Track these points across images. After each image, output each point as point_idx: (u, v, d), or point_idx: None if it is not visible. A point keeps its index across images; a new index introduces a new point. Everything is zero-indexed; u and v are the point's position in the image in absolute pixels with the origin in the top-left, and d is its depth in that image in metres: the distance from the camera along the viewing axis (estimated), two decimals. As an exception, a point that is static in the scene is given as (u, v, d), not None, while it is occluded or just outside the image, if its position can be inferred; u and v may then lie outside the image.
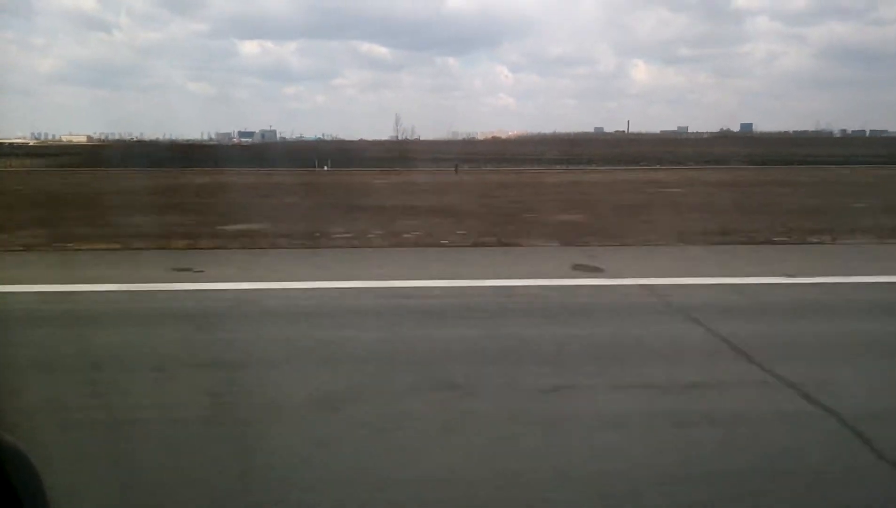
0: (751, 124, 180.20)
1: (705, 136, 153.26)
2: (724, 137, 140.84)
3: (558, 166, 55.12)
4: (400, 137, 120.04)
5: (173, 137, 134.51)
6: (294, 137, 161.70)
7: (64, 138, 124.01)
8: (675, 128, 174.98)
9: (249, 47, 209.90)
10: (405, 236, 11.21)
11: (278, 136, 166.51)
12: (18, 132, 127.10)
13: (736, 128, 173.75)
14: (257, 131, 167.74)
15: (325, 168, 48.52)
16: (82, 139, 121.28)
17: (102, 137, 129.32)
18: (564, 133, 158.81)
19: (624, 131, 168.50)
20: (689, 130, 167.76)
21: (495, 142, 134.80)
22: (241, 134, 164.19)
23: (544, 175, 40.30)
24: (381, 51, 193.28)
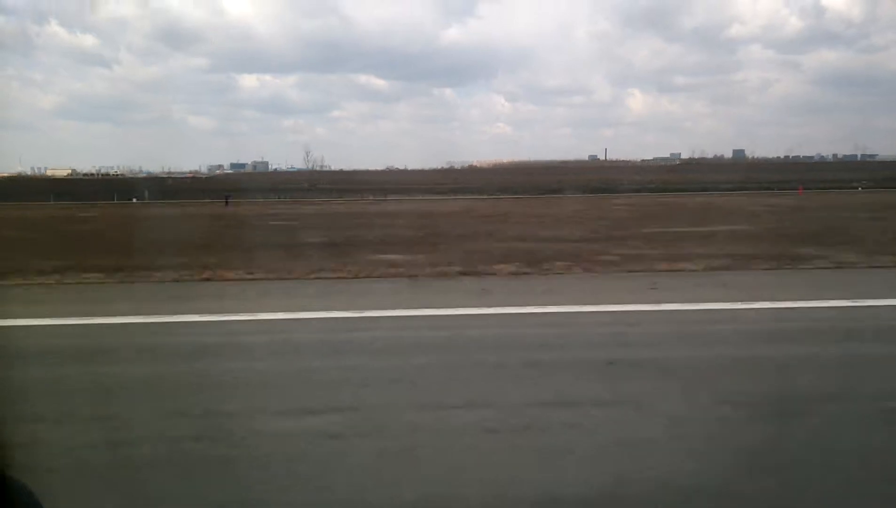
0: (743, 151, 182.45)
1: (677, 162, 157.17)
2: (688, 164, 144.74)
3: (434, 196, 60.96)
4: (311, 168, 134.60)
5: (171, 170, 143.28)
6: (285, 168, 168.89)
7: (49, 172, 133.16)
8: (668, 155, 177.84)
9: (248, 81, 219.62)
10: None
11: (270, 167, 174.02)
12: (19, 167, 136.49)
13: (729, 154, 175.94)
14: (249, 163, 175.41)
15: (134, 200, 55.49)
16: (65, 173, 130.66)
17: (93, 171, 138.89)
18: (558, 161, 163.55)
19: (601, 158, 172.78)
20: (681, 156, 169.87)
21: (447, 172, 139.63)
22: (234, 165, 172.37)
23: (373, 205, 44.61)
24: (378, 83, 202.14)
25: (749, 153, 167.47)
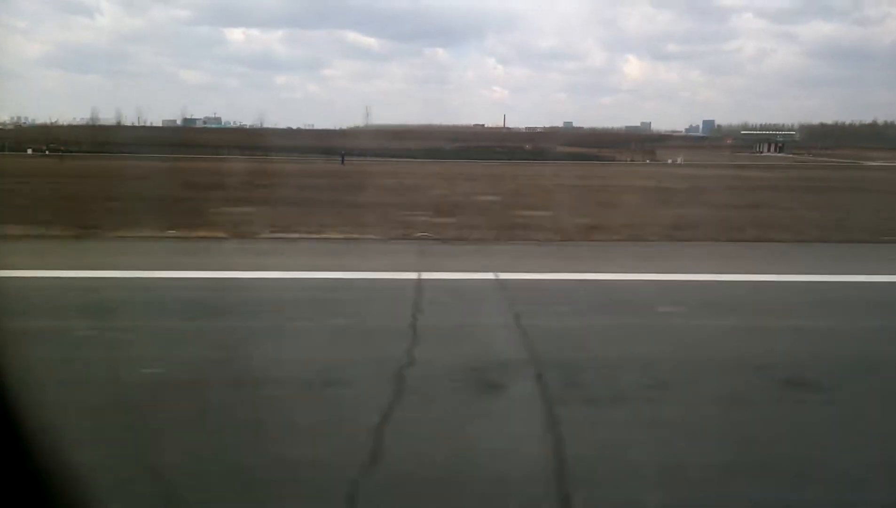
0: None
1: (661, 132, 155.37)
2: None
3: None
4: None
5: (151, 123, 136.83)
6: (237, 123, 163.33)
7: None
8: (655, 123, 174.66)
9: (235, 35, 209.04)
10: None
11: (223, 122, 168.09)
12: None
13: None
14: (202, 118, 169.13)
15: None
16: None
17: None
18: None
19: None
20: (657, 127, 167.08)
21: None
22: (186, 120, 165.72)
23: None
24: (367, 41, 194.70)
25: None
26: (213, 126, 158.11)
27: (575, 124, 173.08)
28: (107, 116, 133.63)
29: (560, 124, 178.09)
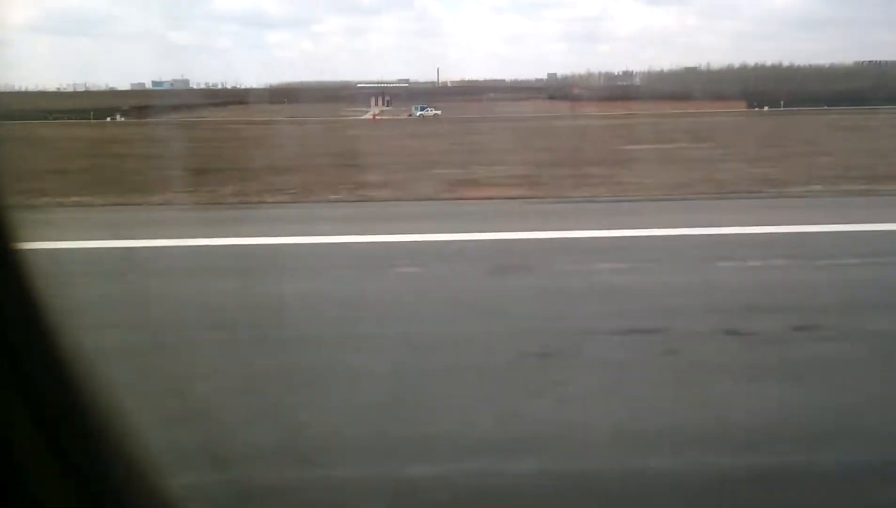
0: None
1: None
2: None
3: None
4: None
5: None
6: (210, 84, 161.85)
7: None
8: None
9: None
10: None
11: (192, 84, 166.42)
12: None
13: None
14: (169, 80, 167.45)
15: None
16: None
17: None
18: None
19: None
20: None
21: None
22: (154, 83, 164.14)
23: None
24: None
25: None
26: (181, 88, 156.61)
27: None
28: (96, 82, 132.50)
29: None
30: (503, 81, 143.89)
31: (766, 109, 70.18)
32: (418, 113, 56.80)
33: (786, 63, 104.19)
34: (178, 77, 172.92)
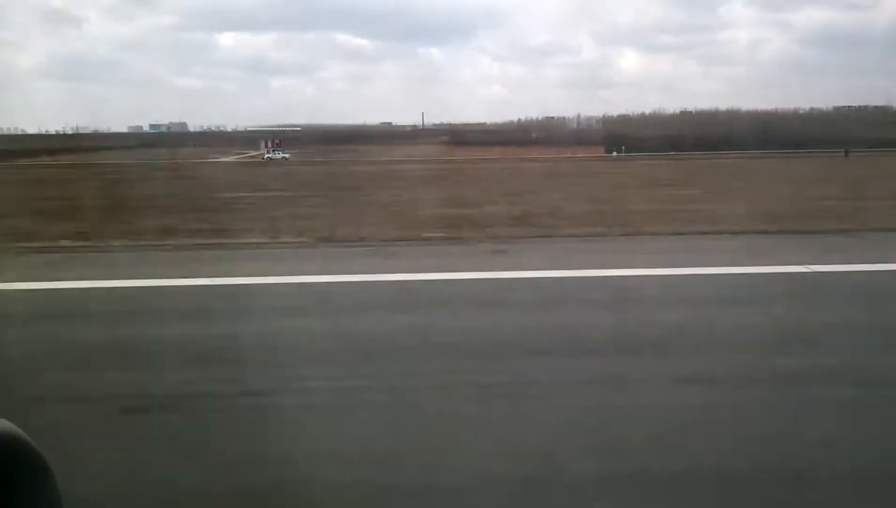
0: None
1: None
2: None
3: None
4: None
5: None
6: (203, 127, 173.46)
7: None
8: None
9: (226, 40, 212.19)
10: None
11: (189, 127, 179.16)
12: None
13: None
14: (166, 123, 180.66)
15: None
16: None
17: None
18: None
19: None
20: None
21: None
22: (152, 126, 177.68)
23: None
24: (359, 42, 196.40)
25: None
26: (178, 130, 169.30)
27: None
28: (101, 124, 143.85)
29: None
30: (468, 124, 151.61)
31: (614, 153, 76.01)
32: (266, 156, 65.90)
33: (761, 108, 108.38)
34: (175, 121, 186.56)
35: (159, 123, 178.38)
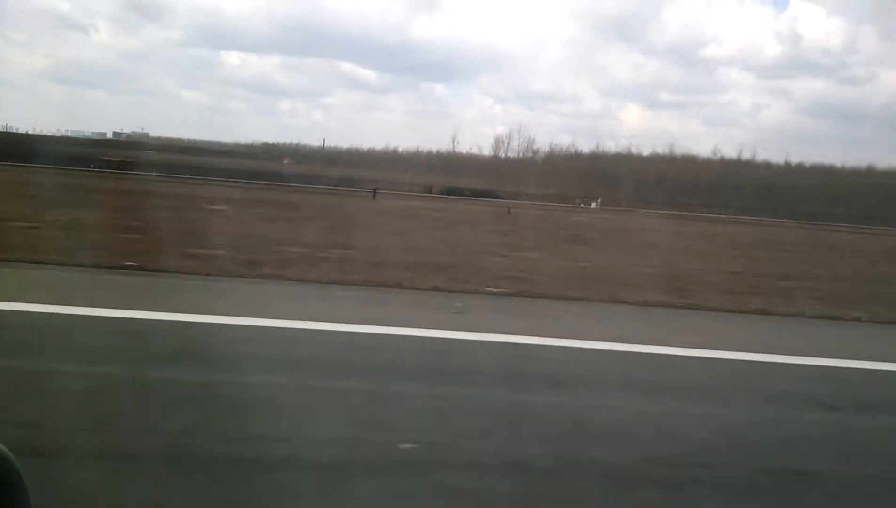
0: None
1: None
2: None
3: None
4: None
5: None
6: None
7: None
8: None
9: (231, 58, 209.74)
10: None
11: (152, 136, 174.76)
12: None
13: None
14: (127, 131, 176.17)
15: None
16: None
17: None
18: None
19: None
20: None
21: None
22: (115, 134, 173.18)
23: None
24: (364, 73, 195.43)
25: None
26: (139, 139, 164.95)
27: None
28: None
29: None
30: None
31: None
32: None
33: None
34: (138, 129, 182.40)
35: (123, 131, 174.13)
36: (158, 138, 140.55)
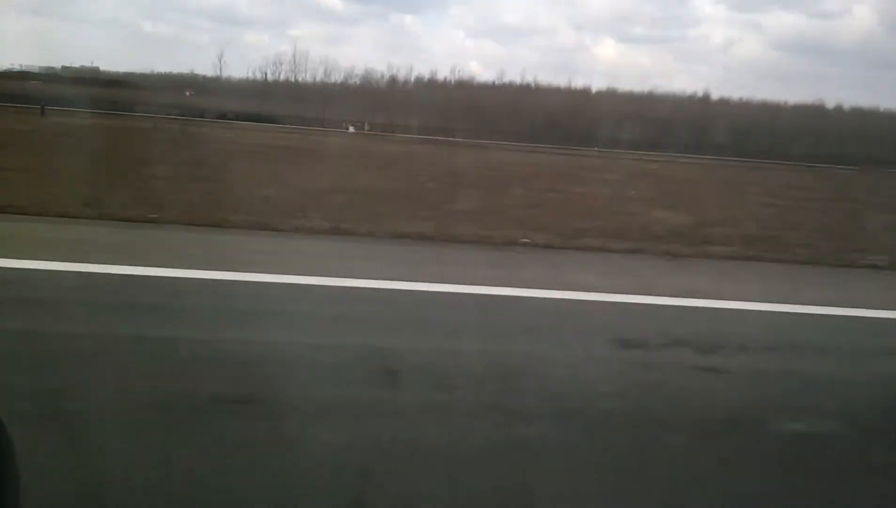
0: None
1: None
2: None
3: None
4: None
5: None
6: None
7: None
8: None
9: None
10: None
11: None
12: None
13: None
14: (59, 66, 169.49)
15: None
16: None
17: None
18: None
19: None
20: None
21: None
22: (64, 68, 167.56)
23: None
24: (332, 2, 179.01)
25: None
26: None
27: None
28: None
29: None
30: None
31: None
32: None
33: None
34: (88, 63, 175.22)
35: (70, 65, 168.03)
36: (78, 69, 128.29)
